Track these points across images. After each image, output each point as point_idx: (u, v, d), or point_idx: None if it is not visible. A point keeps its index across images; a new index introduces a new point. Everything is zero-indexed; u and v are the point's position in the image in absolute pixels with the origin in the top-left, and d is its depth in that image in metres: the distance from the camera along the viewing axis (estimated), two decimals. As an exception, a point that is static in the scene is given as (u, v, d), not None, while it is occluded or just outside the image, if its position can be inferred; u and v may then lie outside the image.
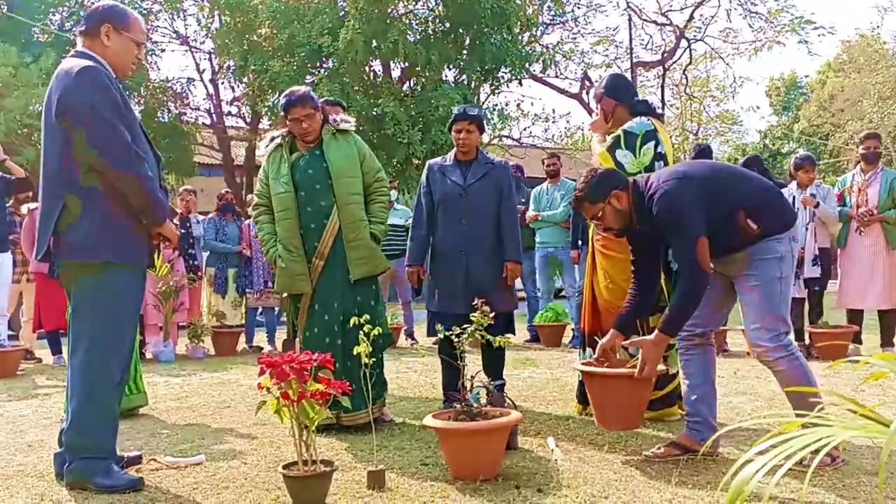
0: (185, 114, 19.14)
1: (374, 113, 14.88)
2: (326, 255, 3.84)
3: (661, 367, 3.19)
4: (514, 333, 4.34)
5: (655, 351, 3.01)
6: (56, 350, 7.16)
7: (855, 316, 6.25)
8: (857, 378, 4.86)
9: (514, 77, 16.41)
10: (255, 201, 4.05)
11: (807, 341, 6.15)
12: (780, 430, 1.27)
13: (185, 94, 19.12)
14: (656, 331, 3.03)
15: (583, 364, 3.35)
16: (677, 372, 3.77)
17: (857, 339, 6.17)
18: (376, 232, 3.96)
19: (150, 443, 3.77)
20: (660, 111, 4.12)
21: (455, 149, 4.28)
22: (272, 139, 4.04)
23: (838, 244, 6.25)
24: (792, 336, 3.12)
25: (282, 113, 3.93)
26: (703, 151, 6.92)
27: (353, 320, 3.06)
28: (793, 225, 3.08)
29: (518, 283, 4.47)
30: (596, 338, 3.93)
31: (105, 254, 2.95)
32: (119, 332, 3.01)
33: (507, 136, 19.98)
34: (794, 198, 6.20)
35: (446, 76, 16.14)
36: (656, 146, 3.76)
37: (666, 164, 3.77)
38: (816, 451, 1.20)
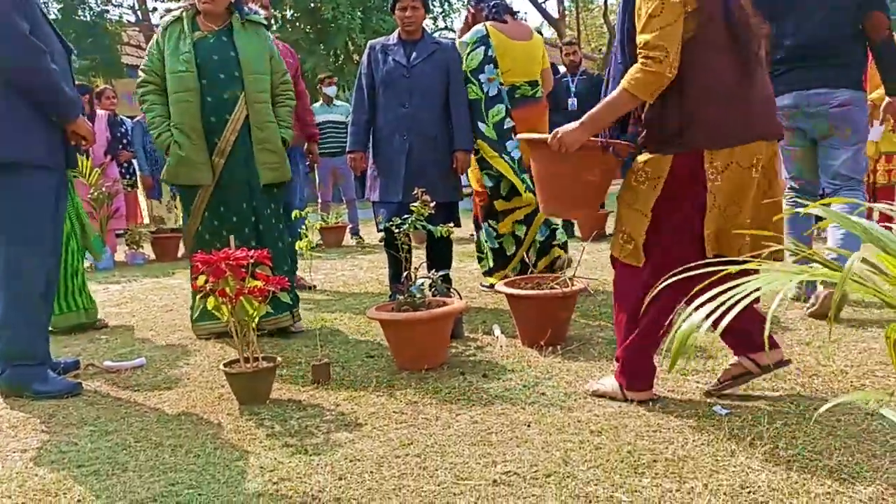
0: (108, 11, 18.06)
1: (311, 6, 14.30)
2: (227, 153, 3.51)
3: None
4: (458, 225, 4.25)
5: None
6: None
7: None
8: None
9: None
10: (142, 77, 3.58)
11: None
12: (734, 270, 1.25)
13: (106, -10, 17.98)
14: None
15: (505, 284, 3.41)
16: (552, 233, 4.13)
17: None
18: (286, 136, 3.69)
19: (89, 349, 3.69)
20: (516, 10, 4.39)
21: (398, 29, 4.04)
22: (169, 11, 3.69)
23: None
24: None
25: None
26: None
27: (296, 214, 2.94)
28: None
29: (464, 179, 4.34)
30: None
31: (11, 153, 2.76)
32: (38, 238, 2.86)
33: (447, 29, 19.50)
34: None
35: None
36: (486, 50, 4.02)
37: (496, 66, 4.02)
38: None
